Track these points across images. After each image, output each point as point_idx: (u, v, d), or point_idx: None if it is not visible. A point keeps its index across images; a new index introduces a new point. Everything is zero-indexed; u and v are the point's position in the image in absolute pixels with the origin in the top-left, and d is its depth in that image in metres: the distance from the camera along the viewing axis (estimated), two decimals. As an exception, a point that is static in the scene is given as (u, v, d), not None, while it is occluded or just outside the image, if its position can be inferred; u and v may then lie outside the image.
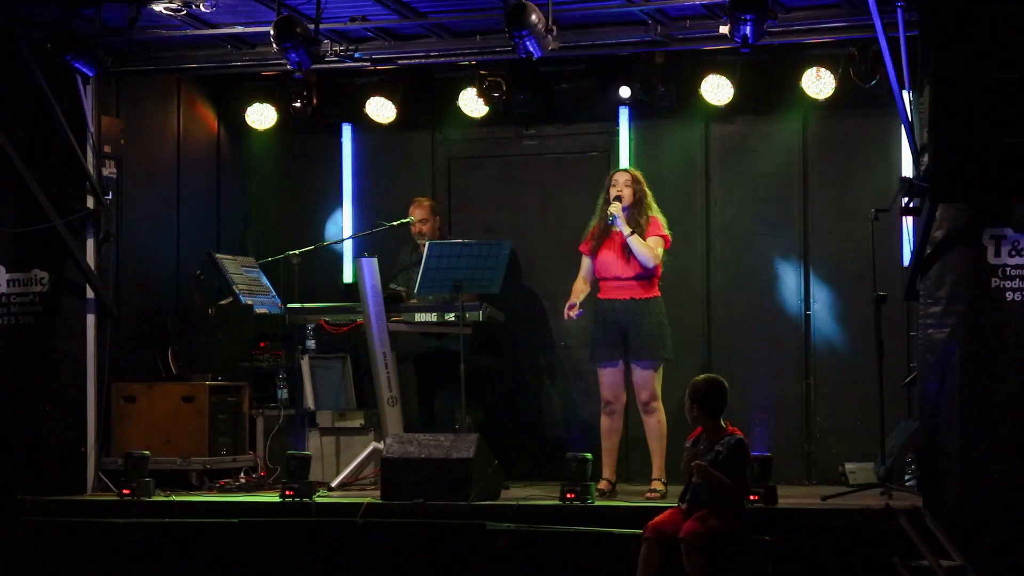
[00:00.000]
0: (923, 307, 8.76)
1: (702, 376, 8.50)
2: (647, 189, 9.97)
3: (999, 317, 8.53)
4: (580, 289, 10.01)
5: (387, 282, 10.76)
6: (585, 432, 11.00)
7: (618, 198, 9.85)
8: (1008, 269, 8.57)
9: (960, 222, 8.64)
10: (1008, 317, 8.52)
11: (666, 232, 9.89)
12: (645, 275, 9.80)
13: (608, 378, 9.85)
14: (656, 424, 9.72)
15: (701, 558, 7.86)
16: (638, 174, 10.02)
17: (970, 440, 8.51)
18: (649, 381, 9.71)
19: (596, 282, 9.98)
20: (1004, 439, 8.46)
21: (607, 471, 9.84)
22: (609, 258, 9.87)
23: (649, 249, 9.76)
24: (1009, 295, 8.55)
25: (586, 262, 10.01)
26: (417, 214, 10.95)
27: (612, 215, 9.78)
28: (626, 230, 9.76)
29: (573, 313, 9.95)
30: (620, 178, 9.94)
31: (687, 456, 8.15)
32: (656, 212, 9.95)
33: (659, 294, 9.88)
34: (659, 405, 9.74)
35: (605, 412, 9.88)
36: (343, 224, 11.89)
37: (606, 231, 9.89)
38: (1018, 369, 8.47)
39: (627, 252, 9.79)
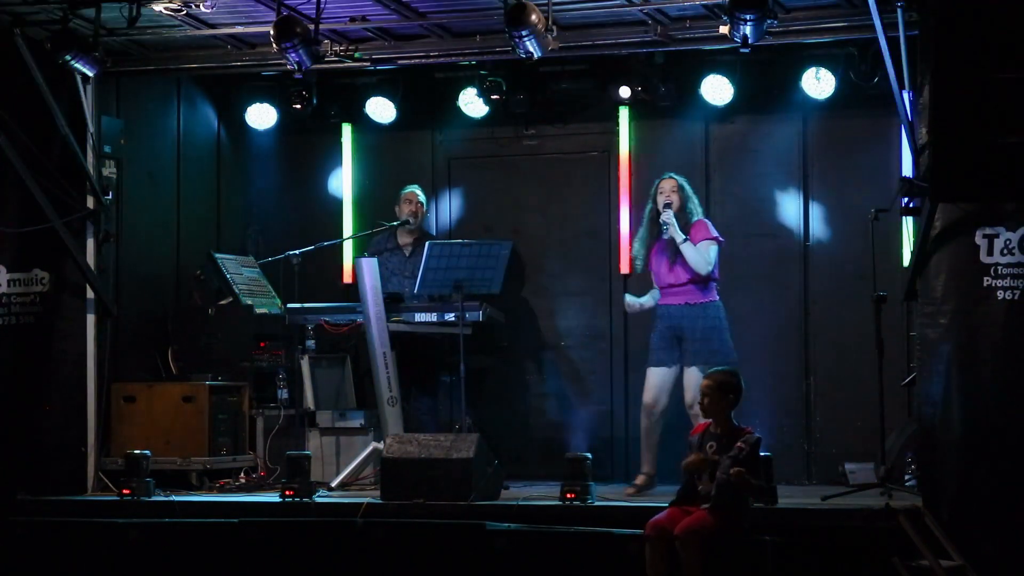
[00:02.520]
0: (920, 307, 8.78)
1: (726, 368, 8.45)
2: (691, 194, 10.03)
3: (991, 316, 8.54)
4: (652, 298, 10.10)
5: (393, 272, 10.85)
6: (585, 432, 11.00)
7: (668, 205, 9.91)
8: (1000, 268, 8.57)
9: (954, 221, 8.65)
10: (1000, 316, 8.52)
11: (715, 234, 9.93)
12: (699, 279, 9.86)
13: (654, 380, 9.87)
14: None
15: (698, 555, 7.85)
16: (682, 180, 10.05)
17: (967, 439, 8.52)
18: (697, 384, 9.66)
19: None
20: (1001, 438, 8.46)
21: (647, 466, 9.87)
22: (661, 267, 9.97)
23: (700, 255, 9.84)
24: (1001, 294, 8.55)
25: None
26: (414, 198, 10.96)
27: (665, 223, 9.86)
28: (679, 237, 9.87)
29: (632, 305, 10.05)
30: (667, 185, 10.01)
31: (696, 455, 8.10)
32: (701, 216, 10.02)
33: (716, 298, 9.93)
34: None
35: (645, 414, 9.90)
36: (343, 223, 11.90)
37: (653, 240, 9.99)
38: (1011, 368, 8.47)
39: (674, 258, 9.89)
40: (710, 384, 8.17)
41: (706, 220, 10.04)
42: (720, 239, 9.96)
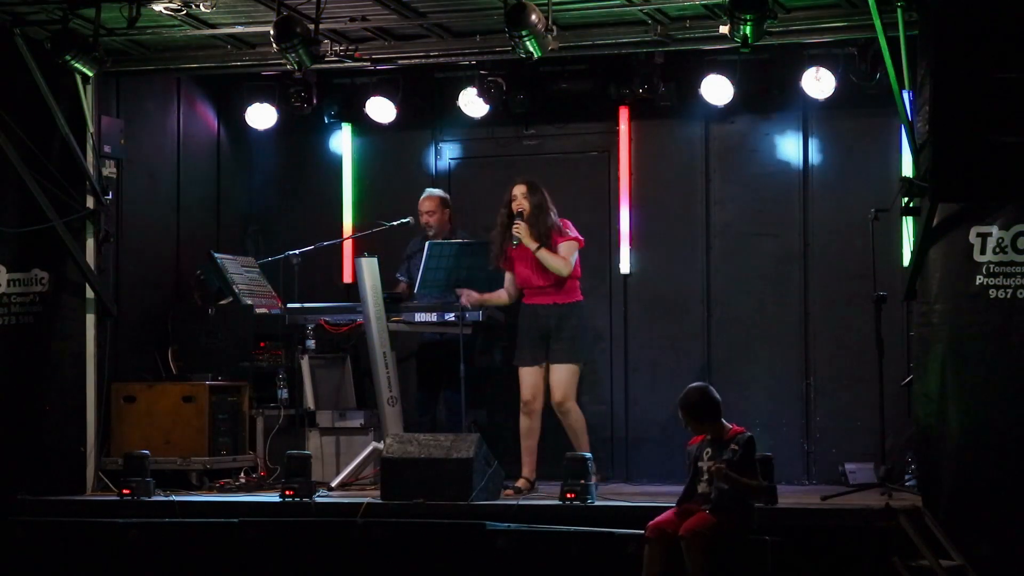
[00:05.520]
0: (916, 306, 8.78)
1: (695, 386, 8.31)
2: (546, 193, 9.99)
3: (984, 315, 8.54)
4: (497, 296, 10.13)
5: (394, 271, 10.82)
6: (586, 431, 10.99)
7: (520, 214, 9.93)
8: (992, 267, 8.57)
9: (948, 220, 8.66)
10: (992, 315, 8.53)
11: (574, 233, 9.95)
12: (562, 280, 9.90)
13: (528, 379, 9.94)
14: (572, 423, 9.89)
15: (702, 556, 7.84)
16: (534, 182, 10.02)
17: (962, 438, 8.52)
18: (563, 383, 9.86)
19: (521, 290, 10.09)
20: (995, 436, 8.46)
21: (526, 470, 9.93)
22: (525, 271, 10.00)
23: (561, 259, 9.88)
24: (993, 292, 8.56)
25: (508, 276, 10.12)
26: (425, 206, 10.93)
27: (516, 237, 9.90)
28: (532, 246, 9.89)
29: (465, 300, 10.07)
30: (518, 191, 10.02)
31: (693, 460, 8.10)
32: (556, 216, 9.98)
33: (580, 298, 10.01)
34: (572, 406, 9.88)
35: (524, 412, 9.97)
36: (343, 223, 11.89)
37: (506, 244, 10.01)
38: (1003, 366, 8.48)
39: (538, 263, 9.90)
40: (682, 410, 8.15)
41: (567, 220, 10.00)
42: (580, 238, 9.96)
